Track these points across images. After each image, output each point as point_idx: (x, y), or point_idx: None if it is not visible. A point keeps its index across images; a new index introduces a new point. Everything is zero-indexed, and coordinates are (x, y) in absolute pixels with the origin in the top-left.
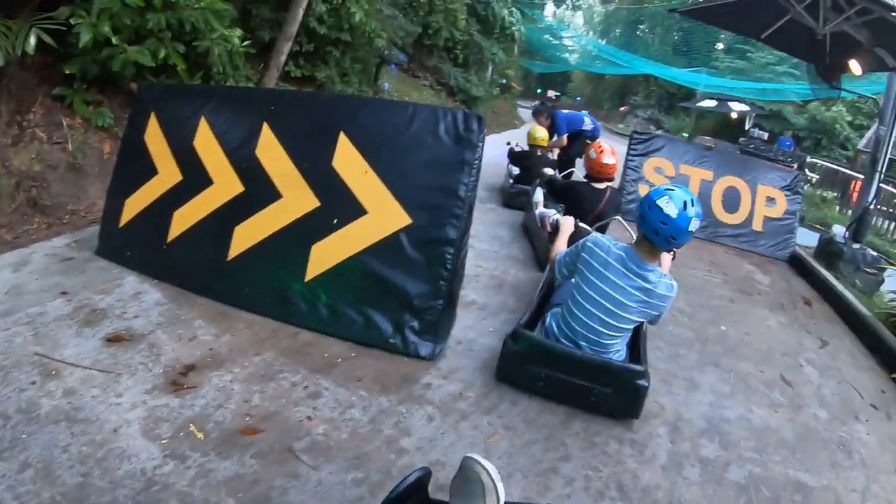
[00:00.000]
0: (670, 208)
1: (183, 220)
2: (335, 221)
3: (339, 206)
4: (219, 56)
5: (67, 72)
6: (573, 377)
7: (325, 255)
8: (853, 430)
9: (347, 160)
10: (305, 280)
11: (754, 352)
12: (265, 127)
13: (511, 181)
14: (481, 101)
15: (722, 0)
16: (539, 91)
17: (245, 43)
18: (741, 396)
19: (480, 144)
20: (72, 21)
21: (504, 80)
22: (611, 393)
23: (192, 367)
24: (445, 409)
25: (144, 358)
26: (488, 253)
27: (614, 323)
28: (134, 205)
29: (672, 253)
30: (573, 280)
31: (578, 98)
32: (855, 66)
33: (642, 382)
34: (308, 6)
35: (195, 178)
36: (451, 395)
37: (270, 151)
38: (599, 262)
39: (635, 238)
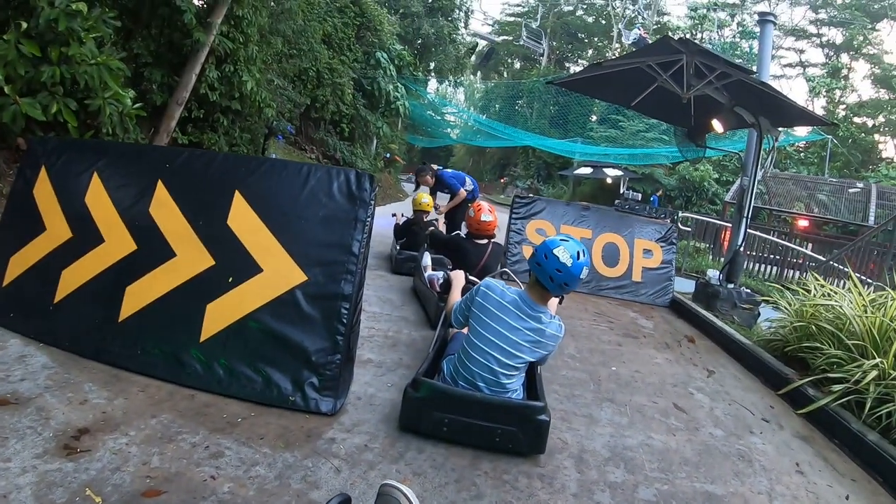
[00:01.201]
0: (565, 257)
1: (72, 279)
2: (230, 280)
3: (234, 265)
4: (110, 116)
5: None
6: (476, 419)
7: (221, 314)
8: (749, 442)
9: (242, 218)
10: (201, 341)
11: (646, 386)
12: (159, 184)
13: (398, 248)
14: None
15: (594, 72)
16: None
17: (137, 105)
18: (639, 425)
19: (372, 202)
20: None
21: (388, 154)
22: (514, 431)
23: (85, 431)
24: (352, 460)
25: (33, 422)
26: (380, 315)
27: (510, 363)
28: (19, 263)
29: (560, 298)
30: (469, 325)
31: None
32: (717, 125)
33: (543, 417)
34: (201, 72)
35: (86, 236)
36: (356, 447)
37: (164, 209)
38: (494, 304)
39: (524, 286)
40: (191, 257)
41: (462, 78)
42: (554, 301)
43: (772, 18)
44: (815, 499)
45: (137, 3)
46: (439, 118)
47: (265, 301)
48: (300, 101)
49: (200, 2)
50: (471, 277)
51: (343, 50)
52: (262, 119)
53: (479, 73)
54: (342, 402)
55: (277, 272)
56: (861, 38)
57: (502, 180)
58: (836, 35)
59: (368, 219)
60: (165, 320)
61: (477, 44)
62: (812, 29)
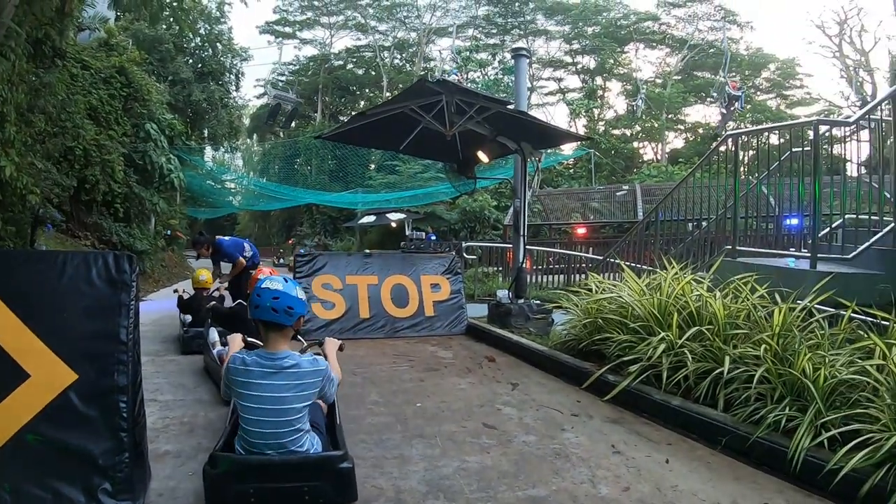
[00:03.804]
0: (275, 284)
1: None
2: None
3: None
4: None
5: None
6: (280, 482)
7: None
8: (563, 438)
9: (1, 321)
10: None
11: (453, 413)
12: None
13: (185, 328)
14: (147, 254)
15: (359, 122)
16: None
17: None
18: (452, 453)
19: (134, 284)
20: None
21: (168, 232)
22: (320, 484)
23: None
24: None
25: None
26: (174, 403)
27: (285, 419)
28: None
29: (339, 345)
30: (234, 401)
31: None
32: (482, 156)
33: (346, 465)
34: None
35: None
36: None
37: None
38: (241, 374)
39: (264, 339)
40: None
41: (238, 143)
42: (331, 350)
43: (525, 53)
44: (637, 472)
45: None
46: (219, 187)
47: (39, 409)
48: (66, 183)
49: None
50: (250, 340)
51: (111, 124)
52: (26, 208)
53: (257, 135)
54: (142, 502)
55: (45, 375)
56: (612, 61)
57: (290, 241)
58: (589, 61)
59: (132, 302)
60: None
61: (279, 104)
62: (567, 59)
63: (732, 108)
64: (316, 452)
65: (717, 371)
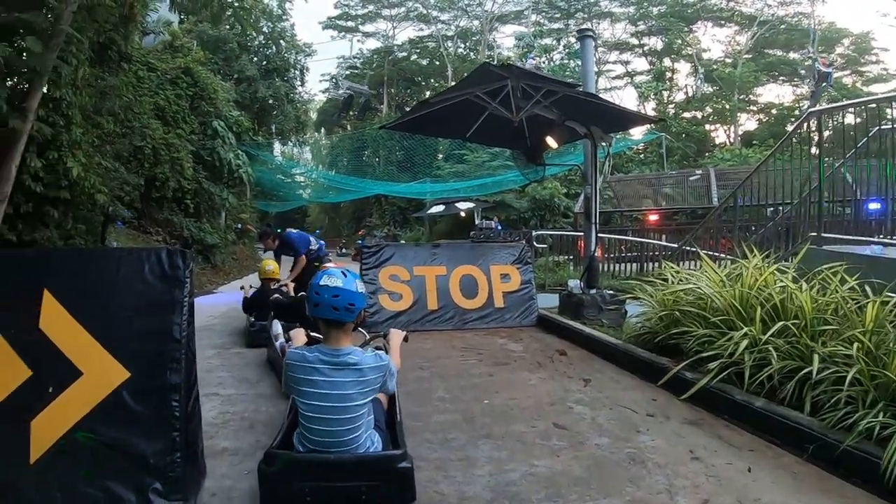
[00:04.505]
0: (335, 281)
1: None
2: (51, 389)
3: (52, 372)
4: None
5: None
6: (336, 481)
7: (48, 429)
8: (638, 442)
9: (55, 319)
10: (31, 462)
11: (523, 412)
12: None
13: (252, 320)
14: (218, 248)
15: (423, 110)
16: (278, 230)
17: None
18: (520, 455)
19: (188, 281)
20: None
21: (239, 225)
22: (378, 485)
23: None
24: None
25: None
26: (236, 397)
27: (346, 417)
28: None
29: (403, 336)
30: (294, 398)
31: (318, 231)
32: (551, 141)
33: (405, 465)
34: (22, 162)
35: None
36: None
37: None
38: (303, 373)
39: (325, 335)
40: (6, 371)
41: (306, 137)
42: (395, 343)
43: (590, 34)
44: (717, 481)
45: None
46: (289, 180)
47: (91, 407)
48: (135, 181)
49: (14, 83)
50: (313, 335)
51: (178, 122)
52: (96, 206)
53: (325, 128)
54: (193, 502)
55: (98, 373)
56: (679, 41)
57: (360, 232)
58: (656, 42)
59: (186, 298)
60: None
61: (352, 95)
62: (634, 41)
63: (823, 86)
64: (375, 451)
65: (804, 371)
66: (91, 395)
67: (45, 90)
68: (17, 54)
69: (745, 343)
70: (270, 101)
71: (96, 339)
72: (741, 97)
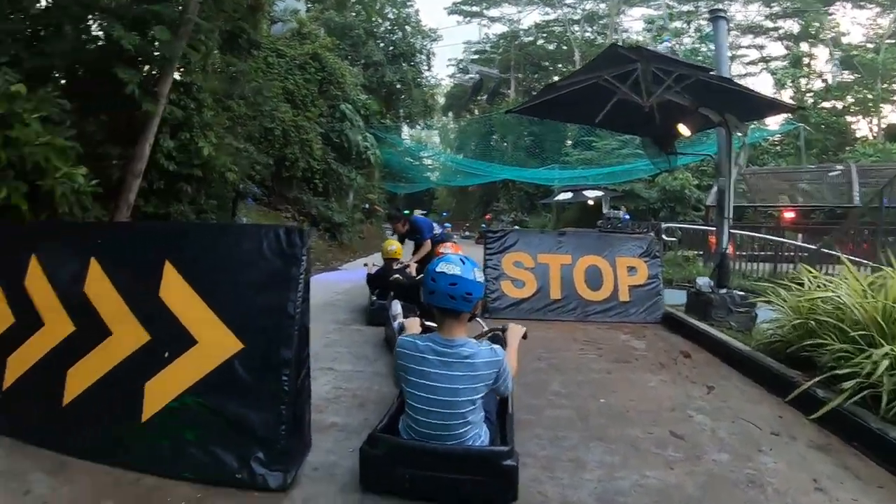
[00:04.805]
0: (452, 268)
1: (16, 366)
2: (166, 355)
3: (168, 339)
4: (63, 195)
5: None
6: (438, 472)
7: (160, 392)
8: (759, 462)
9: (174, 289)
10: (143, 421)
11: (640, 415)
12: (93, 261)
13: (374, 298)
14: (345, 227)
15: (550, 94)
16: (406, 213)
17: (93, 182)
18: (633, 463)
19: (304, 258)
20: None
21: (367, 206)
22: (481, 480)
23: None
24: None
25: None
26: (352, 373)
27: (455, 411)
28: None
29: (523, 332)
30: (402, 386)
31: (445, 213)
32: (683, 128)
33: (510, 463)
34: (155, 142)
35: (26, 321)
36: None
37: (99, 286)
38: (412, 360)
39: (439, 324)
40: (126, 335)
41: (433, 120)
42: (513, 343)
43: (722, 14)
44: None
45: (83, 81)
46: (417, 163)
47: (203, 374)
48: (265, 161)
49: (148, 70)
50: (427, 324)
51: (307, 106)
52: (227, 184)
53: (452, 112)
54: (293, 475)
55: (212, 342)
56: (817, 24)
57: (487, 217)
58: (792, 25)
59: (302, 275)
60: (106, 403)
61: (482, 80)
62: (768, 23)
63: None
64: (481, 446)
65: None
66: (204, 363)
67: (176, 76)
68: (148, 43)
69: (885, 363)
70: (398, 86)
71: (213, 310)
72: (884, 86)
